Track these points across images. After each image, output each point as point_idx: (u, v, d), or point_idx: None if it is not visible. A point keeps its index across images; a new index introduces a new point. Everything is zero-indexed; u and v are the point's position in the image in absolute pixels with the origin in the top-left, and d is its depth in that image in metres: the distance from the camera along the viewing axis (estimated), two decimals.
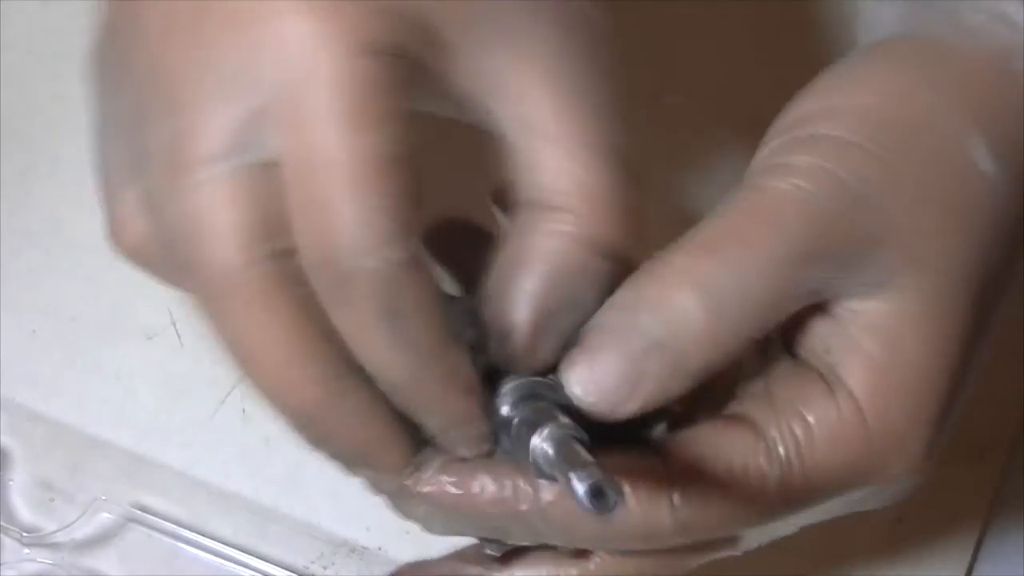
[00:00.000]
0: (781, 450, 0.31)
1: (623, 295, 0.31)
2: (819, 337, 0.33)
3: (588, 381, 0.31)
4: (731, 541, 0.34)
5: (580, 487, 0.27)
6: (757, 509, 0.32)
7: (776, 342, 0.34)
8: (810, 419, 0.32)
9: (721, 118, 0.52)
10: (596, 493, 0.26)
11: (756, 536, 0.34)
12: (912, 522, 0.46)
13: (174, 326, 0.49)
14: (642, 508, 0.31)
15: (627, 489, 0.30)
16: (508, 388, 0.32)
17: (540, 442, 0.29)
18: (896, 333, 0.32)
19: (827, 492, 0.32)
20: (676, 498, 0.31)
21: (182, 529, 0.45)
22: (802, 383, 0.32)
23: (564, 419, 0.30)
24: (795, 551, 0.45)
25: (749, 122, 0.52)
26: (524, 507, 0.31)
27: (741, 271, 0.31)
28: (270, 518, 0.46)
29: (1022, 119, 0.33)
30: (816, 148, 0.32)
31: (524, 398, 0.32)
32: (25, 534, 0.45)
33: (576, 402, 0.31)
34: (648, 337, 0.31)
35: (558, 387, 0.32)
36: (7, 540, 0.45)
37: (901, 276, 0.32)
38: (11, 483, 0.47)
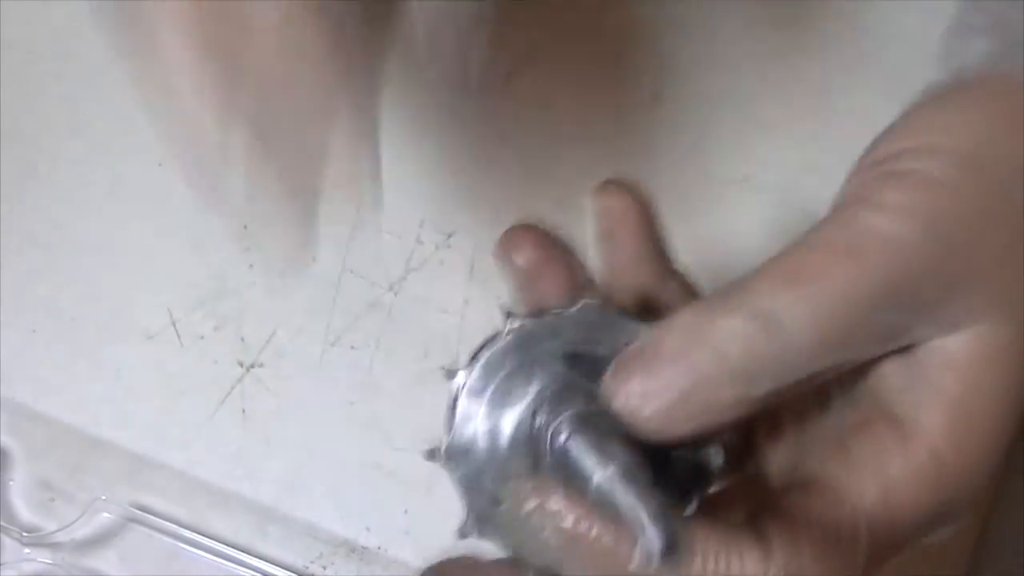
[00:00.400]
0: (866, 510, 0.32)
1: (686, 319, 0.31)
2: (895, 374, 0.33)
3: (646, 394, 0.31)
4: None
5: (654, 536, 0.25)
6: (850, 570, 0.32)
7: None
8: (890, 472, 0.32)
9: (721, 118, 0.52)
10: (670, 545, 0.25)
11: None
12: None
13: (174, 326, 0.50)
14: None
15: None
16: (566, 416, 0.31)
17: (605, 477, 0.28)
18: (975, 372, 0.32)
19: (912, 537, 0.33)
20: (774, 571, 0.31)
21: (182, 529, 0.45)
22: (876, 434, 0.32)
23: (626, 452, 0.29)
24: None
25: (749, 122, 0.52)
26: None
27: (819, 305, 0.30)
28: (270, 518, 0.46)
29: None
30: (907, 185, 0.31)
31: (579, 423, 0.31)
32: (25, 534, 0.45)
33: (627, 415, 0.31)
34: (717, 358, 0.30)
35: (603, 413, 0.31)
36: (7, 540, 0.45)
37: (982, 318, 0.32)
38: (11, 483, 0.47)
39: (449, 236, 0.51)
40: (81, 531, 0.46)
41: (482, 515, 0.33)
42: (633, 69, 0.53)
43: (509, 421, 0.32)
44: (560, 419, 0.31)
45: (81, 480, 0.46)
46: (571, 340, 0.32)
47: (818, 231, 0.32)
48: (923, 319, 0.32)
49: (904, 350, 0.32)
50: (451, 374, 0.33)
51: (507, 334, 0.32)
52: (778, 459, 0.35)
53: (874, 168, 0.33)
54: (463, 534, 0.34)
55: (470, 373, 0.32)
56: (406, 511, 0.46)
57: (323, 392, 0.48)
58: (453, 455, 0.33)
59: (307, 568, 0.45)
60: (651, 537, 0.26)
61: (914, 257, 0.31)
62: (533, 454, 0.32)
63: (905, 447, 0.32)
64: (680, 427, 0.31)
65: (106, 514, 0.46)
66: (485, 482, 0.33)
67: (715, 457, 0.32)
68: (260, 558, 0.45)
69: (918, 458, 0.32)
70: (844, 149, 0.51)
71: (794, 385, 0.31)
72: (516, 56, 0.54)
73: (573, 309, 0.33)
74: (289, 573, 0.45)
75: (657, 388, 0.30)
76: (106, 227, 0.51)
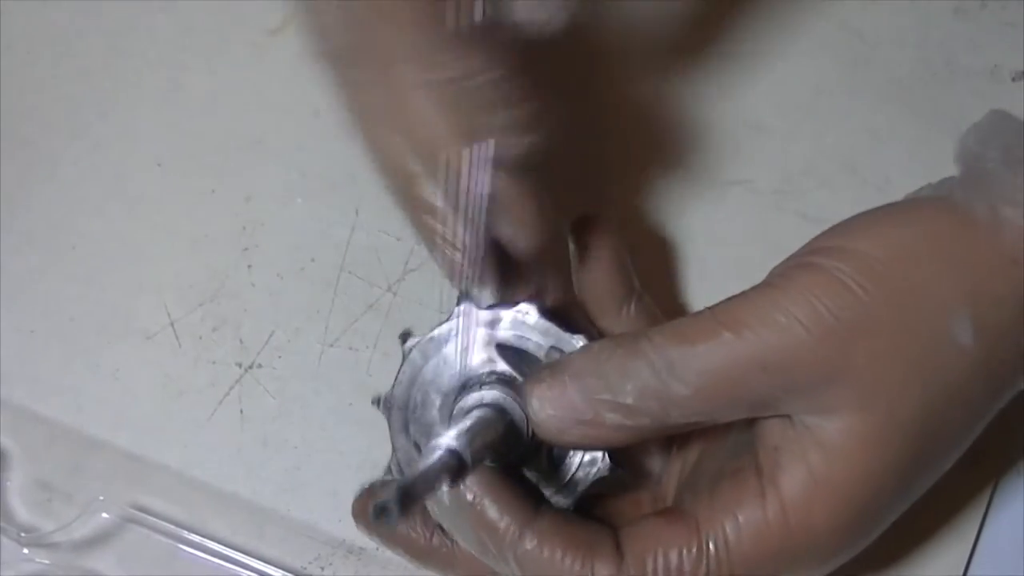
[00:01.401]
0: (712, 546, 0.36)
1: (603, 346, 0.37)
2: (775, 434, 0.37)
3: (548, 400, 0.37)
4: None
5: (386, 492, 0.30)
6: None
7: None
8: (740, 519, 0.36)
9: (721, 118, 0.52)
10: (382, 507, 0.30)
11: None
12: (910, 522, 0.46)
13: (172, 327, 0.50)
14: (588, 571, 0.36)
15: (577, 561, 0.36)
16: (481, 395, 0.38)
17: (437, 445, 0.33)
18: (837, 456, 0.35)
19: None
20: (621, 571, 0.36)
21: (180, 529, 0.45)
22: (739, 486, 0.37)
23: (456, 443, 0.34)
24: None
25: (749, 124, 0.52)
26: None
27: (704, 365, 0.35)
28: (268, 518, 0.46)
29: (1014, 309, 0.36)
30: (807, 276, 0.36)
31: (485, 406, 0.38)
32: (23, 534, 0.45)
33: (530, 413, 0.37)
34: (607, 388, 0.36)
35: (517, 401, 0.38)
36: (5, 540, 0.45)
37: (852, 410, 0.35)
38: (9, 483, 0.46)
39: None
40: (79, 531, 0.46)
41: (405, 458, 0.40)
42: (633, 69, 0.53)
43: (440, 387, 0.40)
44: (475, 395, 0.38)
45: (79, 480, 0.46)
46: (506, 332, 0.40)
47: (728, 301, 0.36)
48: (796, 398, 0.36)
49: (791, 418, 0.36)
50: (405, 338, 0.40)
51: (456, 316, 0.40)
52: (675, 478, 0.42)
53: (798, 258, 0.37)
54: (388, 471, 0.41)
55: (418, 342, 0.40)
56: None
57: (321, 393, 0.48)
58: (391, 405, 0.40)
59: (305, 568, 0.45)
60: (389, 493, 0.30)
61: (795, 343, 0.35)
62: (449, 416, 0.39)
63: (759, 503, 0.36)
64: (567, 436, 0.37)
65: (104, 514, 0.46)
66: (412, 431, 0.40)
67: (601, 464, 0.39)
68: (258, 558, 0.45)
69: (767, 515, 0.36)
70: (843, 151, 0.52)
71: (674, 427, 0.37)
72: None
73: (514, 308, 0.40)
74: (287, 573, 0.45)
75: (552, 398, 0.37)
76: (105, 227, 0.51)
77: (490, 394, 0.38)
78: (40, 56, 0.54)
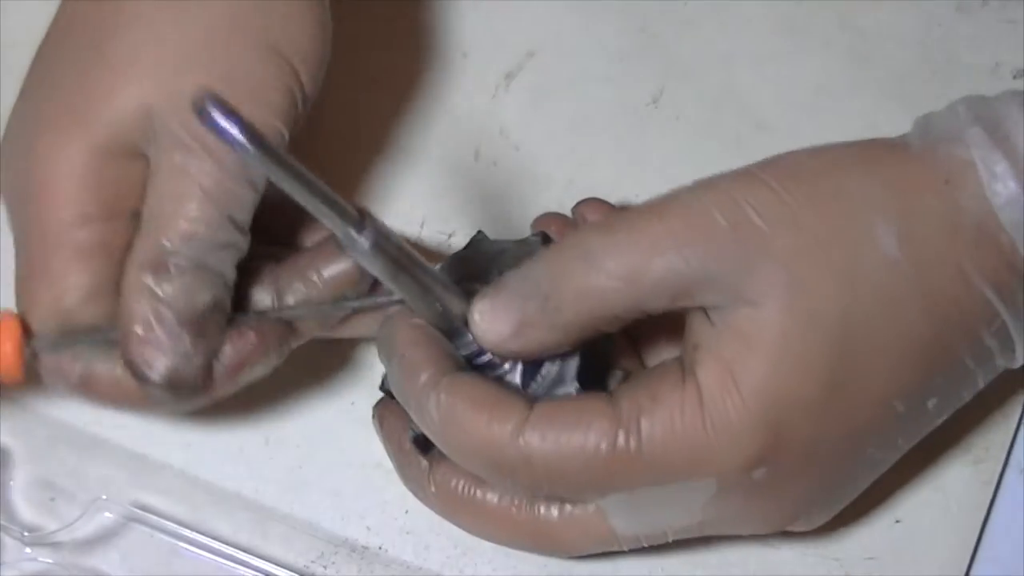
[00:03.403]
0: (624, 420, 0.36)
1: (539, 254, 0.38)
2: (696, 333, 0.37)
3: (486, 312, 0.38)
4: (603, 530, 0.40)
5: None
6: (592, 464, 0.37)
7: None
8: (657, 401, 0.36)
9: (721, 118, 0.52)
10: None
11: (625, 521, 0.39)
12: (911, 522, 0.46)
13: None
14: (493, 422, 0.37)
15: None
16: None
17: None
18: (751, 343, 0.36)
19: (659, 471, 0.37)
20: (526, 427, 0.37)
21: (183, 528, 0.45)
22: (663, 373, 0.37)
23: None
24: (794, 550, 0.45)
25: (749, 122, 0.52)
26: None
27: (624, 249, 0.36)
28: (270, 517, 0.46)
29: (944, 228, 0.36)
30: (734, 179, 0.37)
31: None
32: (26, 533, 0.45)
33: (473, 329, 0.38)
34: (536, 288, 0.37)
35: None
36: (8, 539, 0.45)
37: (768, 300, 0.35)
38: (12, 482, 0.47)
39: (449, 236, 0.51)
40: (82, 530, 0.46)
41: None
42: (634, 69, 0.53)
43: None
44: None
45: (82, 479, 0.46)
46: (508, 263, 0.40)
47: (655, 198, 0.38)
48: (715, 286, 0.36)
49: (709, 316, 0.37)
50: None
51: (467, 247, 0.43)
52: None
53: (739, 169, 0.38)
54: (382, 388, 0.43)
55: (438, 266, 0.41)
56: (407, 511, 0.46)
57: (324, 392, 0.48)
58: None
59: (308, 567, 0.45)
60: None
61: (712, 230, 0.36)
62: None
63: (676, 388, 0.36)
64: (508, 346, 0.38)
65: (107, 513, 0.46)
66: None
67: (569, 387, 0.40)
68: (260, 557, 0.45)
69: (684, 399, 0.36)
70: None
71: (604, 321, 0.37)
72: (515, 55, 0.54)
73: (518, 241, 0.42)
74: (290, 572, 0.45)
75: (489, 307, 0.38)
76: None
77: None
78: None
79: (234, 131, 0.29)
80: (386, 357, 0.40)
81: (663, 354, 0.44)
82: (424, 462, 0.41)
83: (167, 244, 0.39)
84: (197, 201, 0.39)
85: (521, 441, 0.37)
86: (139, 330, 0.39)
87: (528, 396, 0.38)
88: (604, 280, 0.36)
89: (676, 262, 0.36)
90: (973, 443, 0.46)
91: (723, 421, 0.36)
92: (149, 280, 0.39)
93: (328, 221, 0.34)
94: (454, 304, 0.39)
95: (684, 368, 0.37)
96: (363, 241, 0.34)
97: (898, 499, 0.46)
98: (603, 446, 0.36)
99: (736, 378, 0.36)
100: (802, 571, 0.45)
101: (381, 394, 0.44)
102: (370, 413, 0.44)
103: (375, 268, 0.36)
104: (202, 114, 0.29)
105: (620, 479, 0.37)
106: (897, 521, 0.46)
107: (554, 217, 0.45)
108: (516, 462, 0.37)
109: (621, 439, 0.36)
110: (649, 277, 0.36)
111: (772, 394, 0.36)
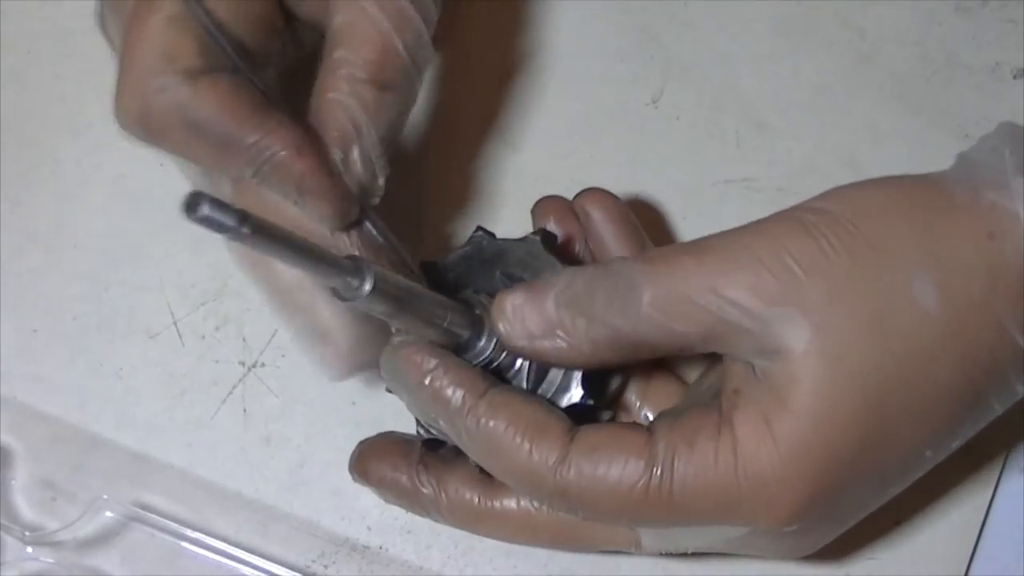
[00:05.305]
0: (659, 462, 0.36)
1: (577, 268, 0.38)
2: (737, 378, 0.37)
3: (519, 307, 0.38)
4: (629, 538, 0.40)
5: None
6: (626, 502, 0.37)
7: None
8: (693, 447, 0.36)
9: (721, 118, 0.52)
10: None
11: (653, 541, 0.40)
12: (911, 522, 0.46)
13: (175, 326, 0.50)
14: (534, 453, 0.37)
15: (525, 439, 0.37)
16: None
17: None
18: (787, 399, 0.35)
19: (691, 515, 0.37)
20: (565, 461, 0.37)
21: (184, 528, 0.45)
22: (701, 419, 0.37)
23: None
24: None
25: (749, 123, 0.52)
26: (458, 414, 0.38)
27: (661, 278, 0.36)
28: (271, 517, 0.46)
29: (986, 283, 0.36)
30: (781, 224, 0.37)
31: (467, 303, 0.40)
32: (27, 533, 0.45)
33: (496, 318, 0.38)
34: (575, 298, 0.37)
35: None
36: (9, 539, 0.45)
37: (805, 352, 0.35)
38: (13, 482, 0.47)
39: (449, 236, 0.51)
40: (83, 530, 0.46)
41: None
42: (634, 69, 0.53)
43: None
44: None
45: (83, 479, 0.46)
46: (510, 262, 0.42)
47: (703, 237, 0.37)
48: (749, 333, 0.36)
49: (752, 365, 0.37)
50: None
51: (467, 244, 0.43)
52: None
53: (782, 211, 0.37)
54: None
55: (439, 261, 0.43)
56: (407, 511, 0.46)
57: (324, 392, 0.48)
58: None
59: (308, 567, 0.45)
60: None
61: (749, 274, 0.36)
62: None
63: (713, 437, 0.36)
64: (536, 344, 0.38)
65: (108, 513, 0.46)
66: None
67: (574, 392, 0.40)
68: (261, 557, 0.45)
69: (719, 449, 0.36)
70: (844, 149, 0.52)
71: (633, 347, 0.37)
72: (514, 56, 0.54)
73: (519, 239, 0.42)
74: (291, 572, 0.45)
75: (522, 303, 0.38)
76: (107, 227, 0.51)
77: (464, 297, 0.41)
78: (41, 55, 0.54)
79: (228, 220, 0.29)
80: (403, 386, 0.40)
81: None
82: (428, 488, 0.42)
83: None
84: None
85: (559, 477, 0.37)
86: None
87: (566, 419, 0.38)
88: (639, 306, 0.36)
89: (709, 301, 0.36)
90: (973, 443, 0.46)
91: (757, 474, 0.36)
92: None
93: (326, 278, 0.34)
94: (458, 321, 0.39)
95: (721, 413, 0.37)
96: (364, 288, 0.34)
97: (898, 499, 0.46)
98: (637, 488, 0.36)
99: (773, 430, 0.35)
100: (803, 571, 0.45)
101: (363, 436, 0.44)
102: (372, 412, 0.44)
103: (380, 310, 0.36)
104: (194, 211, 0.29)
105: (652, 518, 0.37)
106: (898, 521, 0.46)
107: (555, 201, 0.45)
108: (554, 492, 0.37)
109: (655, 483, 0.36)
110: (680, 312, 0.36)
111: (807, 449, 0.35)
